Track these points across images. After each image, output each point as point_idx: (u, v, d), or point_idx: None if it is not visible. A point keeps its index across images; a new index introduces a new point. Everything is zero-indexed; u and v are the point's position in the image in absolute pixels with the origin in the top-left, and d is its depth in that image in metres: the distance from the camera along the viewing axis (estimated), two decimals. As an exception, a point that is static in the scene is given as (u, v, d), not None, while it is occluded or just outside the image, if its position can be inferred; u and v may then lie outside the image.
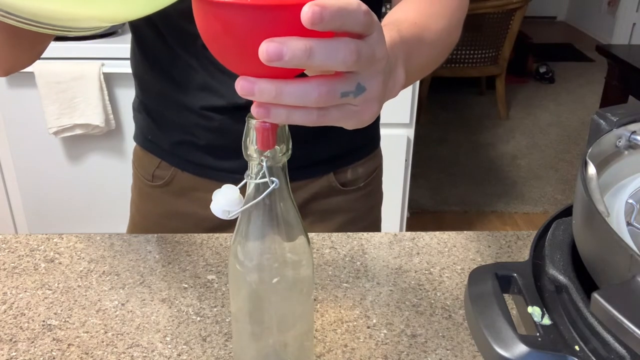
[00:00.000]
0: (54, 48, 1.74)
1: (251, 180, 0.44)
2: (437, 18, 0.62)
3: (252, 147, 0.43)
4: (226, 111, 0.77)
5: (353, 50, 0.37)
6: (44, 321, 0.63)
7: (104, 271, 0.71)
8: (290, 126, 0.42)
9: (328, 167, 0.85)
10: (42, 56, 0.71)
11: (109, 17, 0.48)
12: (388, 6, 1.58)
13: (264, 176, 0.43)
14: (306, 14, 0.34)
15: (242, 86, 0.38)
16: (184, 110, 0.79)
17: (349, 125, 0.43)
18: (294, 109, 0.39)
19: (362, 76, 0.40)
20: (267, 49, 0.35)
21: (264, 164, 0.43)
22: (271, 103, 0.38)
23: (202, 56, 0.75)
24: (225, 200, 0.44)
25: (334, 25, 0.35)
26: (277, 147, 0.42)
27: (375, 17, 0.39)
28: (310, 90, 0.38)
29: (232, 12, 0.36)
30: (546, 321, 0.37)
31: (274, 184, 0.43)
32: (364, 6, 0.37)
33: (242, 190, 0.45)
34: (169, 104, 0.80)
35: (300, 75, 0.38)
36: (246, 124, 0.43)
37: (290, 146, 0.44)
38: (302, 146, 0.79)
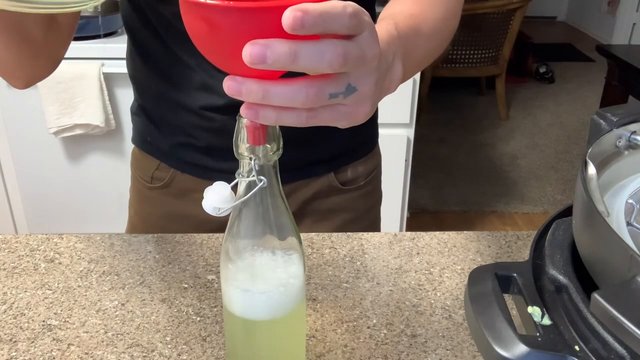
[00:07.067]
0: (54, 48, 1.72)
1: (242, 179, 0.44)
2: (434, 7, 0.61)
3: (243, 146, 0.43)
4: (226, 111, 0.76)
5: (340, 52, 0.36)
6: (44, 321, 0.63)
7: (104, 271, 0.71)
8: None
9: (328, 167, 0.85)
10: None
11: None
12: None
13: (253, 174, 0.43)
14: (287, 19, 0.34)
15: (229, 86, 0.38)
16: (183, 111, 0.79)
17: (342, 124, 0.42)
18: (283, 111, 0.39)
19: (352, 76, 0.40)
20: (250, 51, 0.35)
21: (253, 162, 0.43)
22: (260, 104, 0.38)
23: (200, 55, 0.75)
24: (216, 197, 0.44)
25: (317, 30, 0.35)
26: (267, 145, 0.43)
27: (366, 16, 0.38)
28: (298, 91, 0.37)
29: (217, 14, 0.35)
30: (546, 321, 0.37)
31: (261, 183, 0.43)
32: (351, 8, 0.37)
33: (236, 189, 0.45)
34: (168, 105, 0.80)
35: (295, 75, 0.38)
36: (237, 122, 0.43)
37: (281, 145, 0.44)
38: (302, 146, 0.80)
